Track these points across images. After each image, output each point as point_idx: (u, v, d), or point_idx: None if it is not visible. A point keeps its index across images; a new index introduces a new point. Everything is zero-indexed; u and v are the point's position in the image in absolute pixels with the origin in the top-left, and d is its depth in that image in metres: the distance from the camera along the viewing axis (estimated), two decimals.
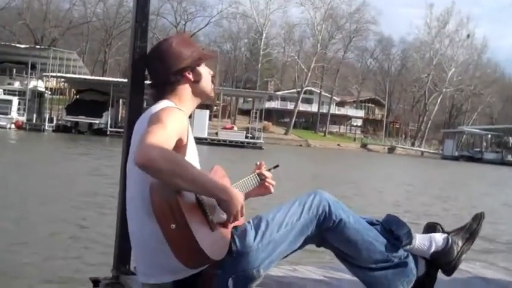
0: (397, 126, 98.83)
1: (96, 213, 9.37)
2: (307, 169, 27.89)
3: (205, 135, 49.81)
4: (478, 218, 2.64)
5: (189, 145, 2.29)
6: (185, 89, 2.42)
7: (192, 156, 2.31)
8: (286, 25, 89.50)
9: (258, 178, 2.64)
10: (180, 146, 2.20)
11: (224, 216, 2.20)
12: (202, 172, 2.12)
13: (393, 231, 2.49)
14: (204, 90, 2.47)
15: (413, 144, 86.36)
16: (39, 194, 11.39)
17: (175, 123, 2.16)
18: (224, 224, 2.21)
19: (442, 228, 2.64)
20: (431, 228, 2.66)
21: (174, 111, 2.23)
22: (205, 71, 2.48)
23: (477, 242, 2.66)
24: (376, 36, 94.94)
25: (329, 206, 2.39)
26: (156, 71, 2.45)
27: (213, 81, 2.52)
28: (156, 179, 2.02)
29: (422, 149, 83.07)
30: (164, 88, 2.41)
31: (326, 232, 2.41)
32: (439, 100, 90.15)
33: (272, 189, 2.68)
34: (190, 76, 2.42)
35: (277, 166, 2.76)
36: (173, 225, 2.01)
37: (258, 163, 2.69)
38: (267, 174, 2.67)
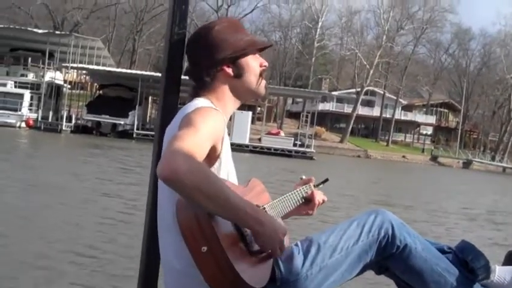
0: (475, 136, 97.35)
1: (118, 234, 9.51)
2: (365, 185, 27.70)
3: (246, 142, 49.94)
4: None
5: (224, 155, 2.27)
6: (223, 86, 2.39)
7: (227, 168, 2.29)
8: (346, 12, 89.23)
9: (302, 194, 2.61)
10: (212, 156, 2.18)
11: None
12: (236, 195, 2.02)
13: (468, 262, 2.46)
14: (248, 86, 2.41)
15: (493, 159, 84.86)
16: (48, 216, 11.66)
17: (210, 127, 2.13)
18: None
19: None
20: None
21: (210, 113, 2.20)
22: (253, 62, 2.41)
23: None
24: (453, 27, 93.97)
25: (393, 229, 2.36)
26: (192, 62, 2.44)
27: (262, 75, 2.43)
28: (179, 194, 1.97)
29: (504, 165, 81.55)
30: (200, 83, 2.40)
31: (388, 259, 2.38)
32: None
33: (315, 211, 2.66)
34: (230, 70, 2.37)
35: (326, 180, 2.75)
36: (204, 248, 1.97)
37: (304, 177, 2.67)
38: (315, 191, 2.65)
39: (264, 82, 2.45)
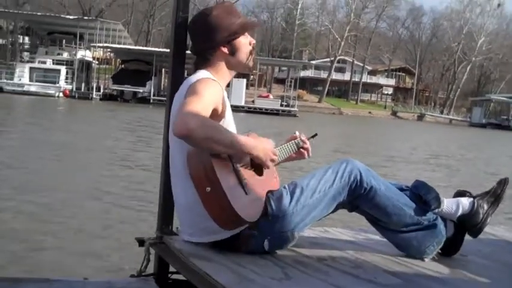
0: (427, 94, 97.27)
1: (141, 178, 9.34)
2: (339, 136, 27.77)
3: (242, 103, 49.76)
4: (502, 183, 2.64)
5: (226, 114, 2.30)
6: (220, 62, 2.39)
7: (229, 124, 2.32)
8: None
9: (296, 146, 2.63)
10: (215, 115, 2.22)
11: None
12: (236, 134, 2.17)
13: (422, 196, 2.49)
14: (240, 61, 2.42)
15: (442, 112, 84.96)
16: (80, 159, 11.50)
17: (211, 94, 2.16)
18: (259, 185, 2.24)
19: (471, 195, 2.64)
20: (461, 195, 2.66)
21: (210, 83, 2.22)
22: (244, 41, 2.41)
23: (501, 206, 2.68)
24: (408, 5, 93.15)
25: (360, 174, 2.38)
26: (194, 41, 2.43)
27: (251, 52, 2.44)
28: (195, 147, 2.05)
29: (450, 117, 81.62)
30: (201, 59, 2.40)
31: (358, 199, 2.41)
32: (468, 69, 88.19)
33: (307, 155, 2.67)
34: (226, 50, 2.37)
35: (315, 135, 2.76)
36: (208, 188, 2.05)
37: (297, 133, 2.67)
38: (306, 141, 2.66)
39: (252, 57, 2.46)
